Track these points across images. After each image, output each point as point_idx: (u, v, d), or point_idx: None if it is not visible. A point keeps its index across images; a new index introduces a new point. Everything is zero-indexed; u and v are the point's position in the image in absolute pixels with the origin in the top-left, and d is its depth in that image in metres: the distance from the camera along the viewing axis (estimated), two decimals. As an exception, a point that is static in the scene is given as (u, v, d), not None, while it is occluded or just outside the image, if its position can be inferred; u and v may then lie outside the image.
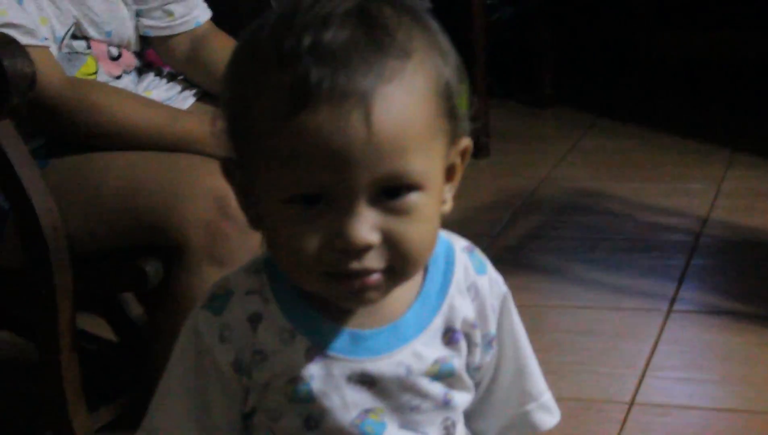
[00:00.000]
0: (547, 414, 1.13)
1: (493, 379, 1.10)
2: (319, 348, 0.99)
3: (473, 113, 1.01)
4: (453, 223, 1.06)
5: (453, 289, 1.06)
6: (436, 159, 0.97)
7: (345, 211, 0.93)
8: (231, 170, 1.01)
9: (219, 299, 1.03)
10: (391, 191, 0.94)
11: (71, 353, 1.80)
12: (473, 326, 1.06)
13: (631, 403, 2.29)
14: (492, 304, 1.08)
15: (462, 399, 1.07)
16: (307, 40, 0.91)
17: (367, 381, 1.00)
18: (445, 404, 1.05)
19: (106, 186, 1.82)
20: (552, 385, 2.41)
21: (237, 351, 1.01)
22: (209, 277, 1.73)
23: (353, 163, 0.91)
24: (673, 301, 2.75)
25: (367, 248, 0.93)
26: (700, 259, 3.00)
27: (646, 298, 2.78)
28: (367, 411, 1.01)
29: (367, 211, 0.93)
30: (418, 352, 1.03)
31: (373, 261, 0.94)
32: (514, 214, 3.38)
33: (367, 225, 0.93)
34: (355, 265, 0.94)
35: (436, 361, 1.04)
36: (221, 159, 1.01)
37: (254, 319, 1.01)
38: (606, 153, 3.93)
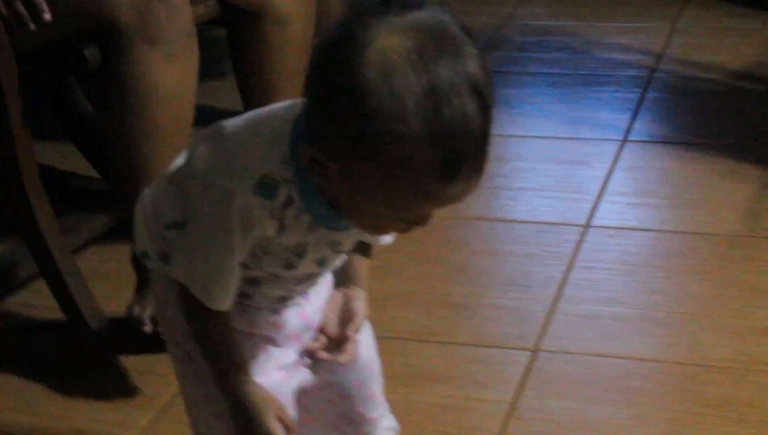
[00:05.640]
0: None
1: None
2: (316, 223, 1.20)
3: None
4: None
5: None
6: None
7: (430, 217, 1.13)
8: (321, 164, 1.09)
9: (269, 188, 1.16)
10: None
11: (26, 148, 1.76)
12: None
13: (587, 226, 2.27)
14: None
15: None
16: (460, 128, 1.03)
17: (334, 243, 1.25)
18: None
19: None
20: (513, 210, 2.39)
21: (277, 223, 1.18)
22: (142, 55, 1.75)
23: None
24: (627, 131, 2.71)
25: None
26: (655, 93, 2.95)
27: (603, 128, 2.75)
28: (324, 257, 1.26)
29: None
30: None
31: None
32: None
33: None
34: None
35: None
36: (311, 155, 1.10)
37: (287, 202, 1.17)
38: (567, -7, 3.84)
